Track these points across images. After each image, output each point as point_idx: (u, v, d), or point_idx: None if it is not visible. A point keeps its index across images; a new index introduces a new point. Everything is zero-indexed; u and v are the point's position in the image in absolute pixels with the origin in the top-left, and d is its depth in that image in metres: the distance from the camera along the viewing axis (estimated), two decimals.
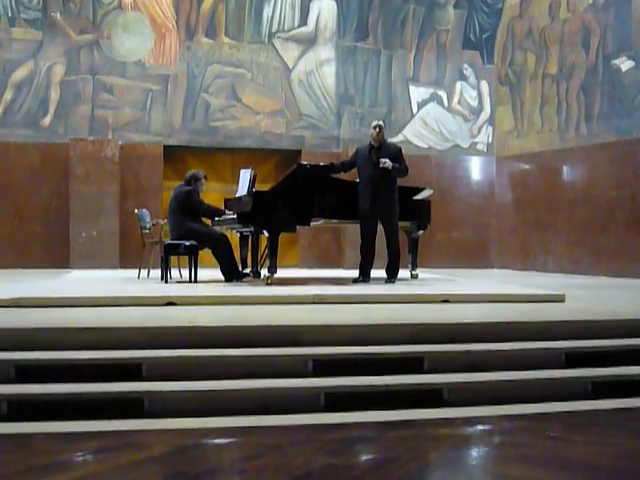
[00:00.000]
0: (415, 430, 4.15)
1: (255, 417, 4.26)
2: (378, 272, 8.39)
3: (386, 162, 7.79)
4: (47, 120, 12.57)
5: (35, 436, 3.91)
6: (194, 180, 8.51)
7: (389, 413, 4.40)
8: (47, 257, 12.33)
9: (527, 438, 4.06)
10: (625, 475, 3.49)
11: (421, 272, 9.38)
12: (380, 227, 8.13)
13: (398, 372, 4.83)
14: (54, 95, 12.58)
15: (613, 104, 11.71)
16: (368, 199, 7.94)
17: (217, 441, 4.00)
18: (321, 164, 8.27)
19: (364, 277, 8.13)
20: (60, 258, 12.24)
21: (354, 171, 8.42)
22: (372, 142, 8.07)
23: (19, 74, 12.46)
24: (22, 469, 3.43)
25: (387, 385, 4.67)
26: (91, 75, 12.72)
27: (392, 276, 8.18)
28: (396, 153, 8.04)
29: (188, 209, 8.31)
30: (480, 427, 4.33)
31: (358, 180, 8.14)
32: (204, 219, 8.65)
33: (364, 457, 3.90)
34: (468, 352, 5.03)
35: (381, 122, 8.16)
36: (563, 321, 5.64)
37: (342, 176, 8.51)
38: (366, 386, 4.65)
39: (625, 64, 11.48)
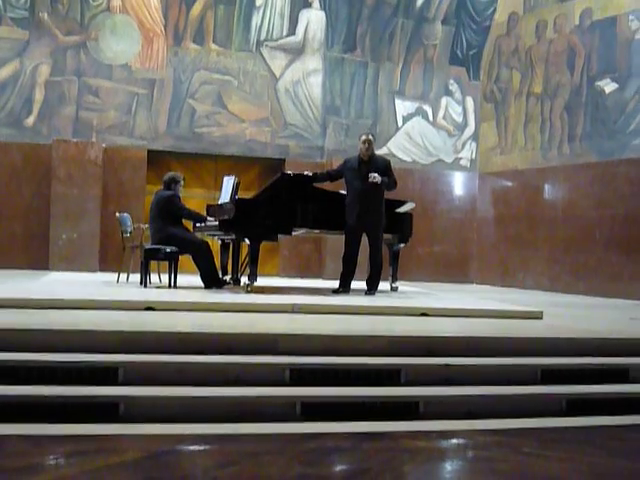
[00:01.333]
0: (390, 442, 4.15)
1: (230, 425, 4.24)
2: (358, 284, 8.40)
3: (376, 177, 7.79)
4: (31, 120, 12.50)
5: (7, 438, 3.87)
6: (174, 183, 8.50)
7: (365, 424, 4.40)
8: (26, 258, 12.23)
9: (501, 453, 4.08)
10: None
11: (401, 285, 9.40)
12: (364, 239, 8.14)
13: (375, 384, 4.84)
14: (39, 95, 12.51)
15: (596, 125, 11.83)
16: (355, 211, 7.95)
17: (191, 448, 3.98)
18: (305, 173, 8.24)
19: (344, 288, 8.13)
20: (39, 260, 12.14)
21: (338, 182, 8.45)
22: (361, 156, 8.08)
23: (4, 73, 12.38)
24: None
25: (364, 396, 4.68)
26: (77, 76, 12.66)
27: (372, 288, 8.19)
28: (385, 167, 8.06)
29: (169, 214, 8.29)
30: (455, 441, 4.35)
31: (346, 192, 8.15)
32: (185, 223, 8.63)
33: (338, 467, 3.89)
34: (446, 365, 5.05)
35: (370, 136, 8.13)
36: (540, 338, 5.68)
37: (325, 186, 8.53)
38: (343, 397, 4.65)
39: (609, 86, 11.61)
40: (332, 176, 8.39)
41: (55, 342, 4.75)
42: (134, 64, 12.91)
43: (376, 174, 7.81)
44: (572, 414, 4.88)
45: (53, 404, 4.24)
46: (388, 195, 8.35)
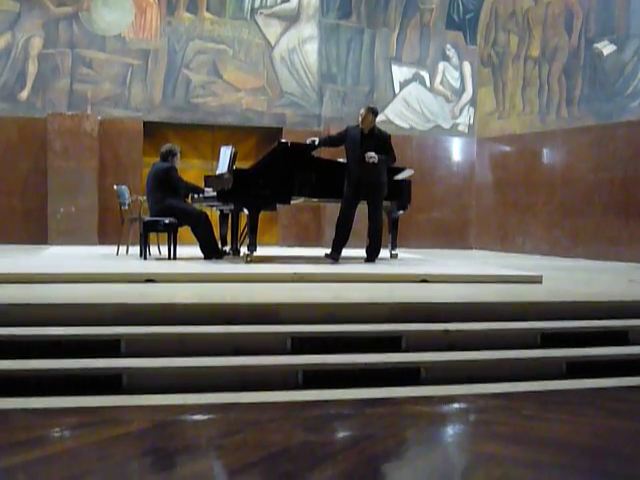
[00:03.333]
0: (392, 408, 4.18)
1: (233, 394, 4.27)
2: (358, 251, 8.41)
3: (372, 158, 7.73)
4: (25, 94, 12.41)
5: (11, 412, 3.90)
6: (171, 155, 8.48)
7: (367, 391, 4.43)
8: (24, 233, 12.22)
9: (502, 416, 4.11)
10: (598, 452, 3.55)
11: (400, 252, 9.41)
12: (363, 209, 8.12)
13: (376, 350, 4.86)
14: (32, 68, 12.41)
15: (594, 88, 11.76)
16: (354, 180, 7.92)
17: (195, 417, 4.01)
18: (309, 141, 8.12)
19: (336, 254, 8.03)
20: (38, 234, 12.14)
21: (335, 150, 8.40)
22: (361, 126, 8.02)
23: None
24: None
25: (365, 363, 4.70)
26: (70, 49, 12.54)
27: (372, 256, 8.18)
28: (385, 142, 8.00)
29: (167, 186, 8.27)
30: (456, 405, 4.38)
31: (346, 159, 8.10)
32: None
33: (342, 434, 3.93)
34: (446, 331, 5.07)
35: (369, 107, 8.07)
36: (540, 302, 5.70)
37: (323, 155, 8.49)
38: (344, 364, 4.68)
39: (607, 48, 11.52)
40: (333, 141, 8.31)
41: (56, 316, 4.76)
42: (127, 35, 12.78)
43: (373, 154, 7.75)
44: (572, 377, 4.92)
45: (56, 377, 4.26)
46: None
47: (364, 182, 7.90)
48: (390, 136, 8.20)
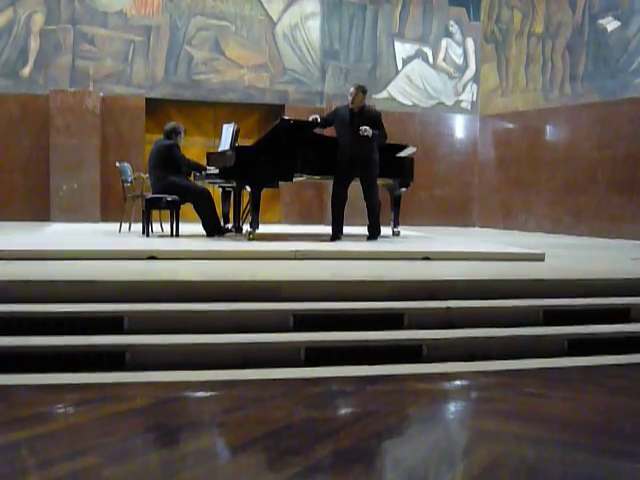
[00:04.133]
0: (394, 385, 4.20)
1: (236, 371, 4.29)
2: (360, 229, 8.40)
3: (366, 130, 7.71)
4: (27, 70, 12.36)
5: (16, 388, 3.92)
6: (175, 133, 8.46)
7: (369, 368, 4.45)
8: (27, 210, 12.23)
9: (504, 394, 4.13)
10: (599, 429, 3.56)
11: (403, 230, 9.41)
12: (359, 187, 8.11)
13: (378, 328, 4.87)
14: (34, 45, 12.35)
15: (598, 64, 11.68)
16: (345, 161, 7.91)
17: (198, 394, 4.03)
18: (311, 118, 8.07)
19: (338, 233, 8.08)
20: (40, 211, 12.15)
21: (331, 129, 8.36)
22: (350, 106, 7.99)
23: None
24: (3, 420, 3.44)
25: (367, 340, 4.72)
26: (72, 25, 12.47)
27: (374, 234, 8.18)
28: (376, 119, 7.96)
29: (169, 163, 8.26)
30: (458, 382, 4.40)
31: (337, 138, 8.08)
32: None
33: (343, 411, 3.95)
34: (448, 309, 5.08)
35: (359, 87, 8.00)
36: (542, 279, 5.71)
37: (326, 132, 8.46)
38: (346, 341, 4.69)
39: (611, 24, 11.43)
40: (323, 123, 8.26)
41: (59, 293, 4.78)
42: (129, 11, 12.69)
43: (367, 127, 7.73)
44: (574, 354, 4.93)
45: (60, 354, 4.28)
46: (389, 139, 8.27)
47: (356, 160, 7.88)
48: (380, 113, 8.17)
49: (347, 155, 7.90)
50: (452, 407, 4.06)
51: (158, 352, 4.42)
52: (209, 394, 4.05)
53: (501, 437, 3.39)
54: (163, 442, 3.35)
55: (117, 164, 9.16)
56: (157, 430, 3.51)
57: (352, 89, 8.00)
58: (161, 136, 8.63)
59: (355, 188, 8.22)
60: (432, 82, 14.15)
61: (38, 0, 12.31)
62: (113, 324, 4.59)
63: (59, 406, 3.70)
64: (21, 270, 5.28)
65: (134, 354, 4.36)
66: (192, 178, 8.76)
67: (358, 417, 3.73)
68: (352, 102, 7.92)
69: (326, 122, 8.24)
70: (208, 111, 13.28)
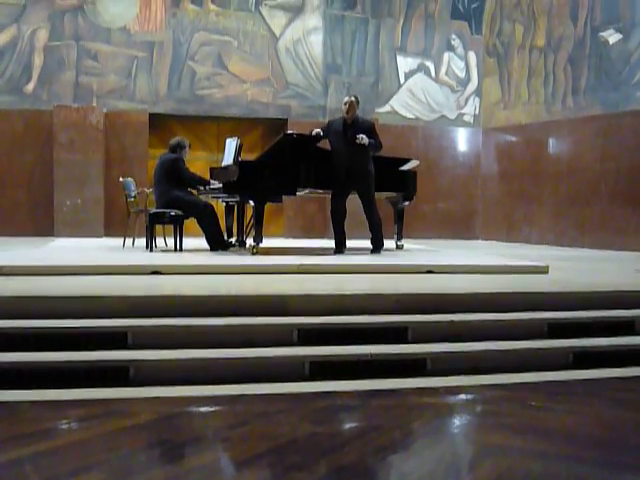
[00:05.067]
0: (399, 399, 4.19)
1: (240, 386, 4.28)
2: (364, 242, 8.40)
3: (363, 139, 7.73)
4: (30, 86, 12.43)
5: (20, 404, 3.92)
6: (179, 148, 8.48)
7: (373, 382, 4.44)
8: (31, 225, 12.27)
9: (508, 407, 4.11)
10: (604, 443, 3.55)
11: (406, 243, 9.41)
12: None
13: (382, 342, 4.86)
14: (38, 61, 12.42)
15: (600, 77, 11.71)
16: (342, 173, 7.91)
17: (202, 409, 4.02)
18: (314, 132, 8.07)
19: (341, 247, 8.10)
20: (44, 226, 12.19)
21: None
22: (345, 116, 8.01)
23: (2, 39, 12.29)
24: (7, 436, 3.44)
25: (371, 354, 4.71)
26: (75, 41, 12.55)
27: (377, 247, 8.19)
28: (369, 129, 7.97)
29: (174, 177, 8.27)
30: (462, 396, 4.38)
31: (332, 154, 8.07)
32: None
33: (348, 425, 3.94)
34: (452, 322, 5.07)
35: (352, 98, 8.03)
36: (546, 292, 5.69)
37: (329, 146, 8.45)
38: (350, 355, 4.68)
39: (612, 37, 11.46)
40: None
41: (63, 308, 4.78)
42: (132, 27, 12.78)
43: (363, 136, 7.75)
44: (579, 367, 4.92)
45: (64, 370, 4.28)
46: (392, 153, 8.31)
47: (352, 171, 7.89)
48: (374, 123, 8.22)
49: (343, 167, 7.91)
50: (457, 421, 4.05)
51: (162, 367, 4.42)
52: (213, 409, 4.05)
53: (506, 451, 3.38)
54: (167, 458, 3.34)
55: (120, 179, 9.18)
56: (161, 446, 3.50)
57: (347, 99, 8.04)
58: (166, 150, 8.66)
59: (356, 201, 8.21)
60: (434, 96, 14.19)
61: (42, 17, 12.40)
62: (117, 339, 4.59)
63: (63, 422, 3.70)
64: (25, 285, 5.28)
65: (138, 369, 4.36)
66: (196, 192, 8.77)
67: (363, 432, 3.72)
68: (347, 112, 7.95)
69: (320, 137, 8.25)
70: (211, 126, 13.33)
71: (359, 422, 3.91)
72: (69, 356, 4.38)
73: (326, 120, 12.98)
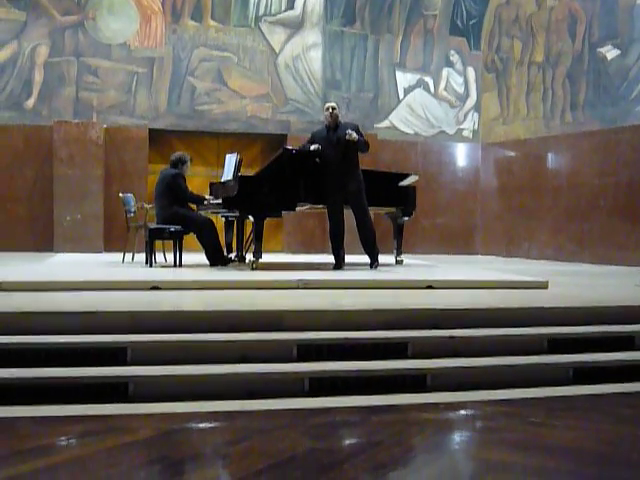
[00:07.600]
0: (399, 415, 4.18)
1: (239, 402, 4.27)
2: (362, 258, 8.40)
3: (353, 133, 7.75)
4: (31, 102, 12.46)
5: (18, 420, 3.90)
6: (181, 163, 8.50)
7: (373, 398, 4.43)
8: (31, 240, 12.26)
9: (509, 423, 4.10)
10: (605, 459, 3.54)
11: (406, 258, 9.41)
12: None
13: (382, 357, 4.86)
14: (38, 77, 12.46)
15: (598, 92, 11.76)
16: (333, 181, 7.90)
17: (201, 425, 4.01)
18: (312, 148, 8.09)
19: (340, 262, 8.09)
20: (44, 241, 12.18)
21: None
22: (327, 124, 8.05)
23: (2, 55, 12.33)
24: (5, 453, 3.42)
25: (371, 370, 4.70)
26: (75, 57, 12.60)
27: (374, 259, 8.11)
28: (355, 128, 8.00)
29: (174, 192, 8.28)
30: (463, 412, 4.37)
31: (321, 164, 8.06)
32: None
33: (348, 441, 3.92)
34: (452, 337, 5.06)
35: (333, 104, 8.12)
36: (546, 307, 5.68)
37: None
38: (350, 371, 4.67)
39: (611, 52, 11.52)
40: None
41: (62, 324, 4.77)
42: (133, 43, 12.83)
43: (352, 131, 7.78)
44: (579, 382, 4.91)
45: (62, 385, 4.27)
46: (391, 168, 8.33)
47: (343, 175, 7.87)
48: (358, 125, 8.27)
49: (334, 175, 7.89)
50: (457, 437, 4.03)
51: (161, 383, 4.41)
52: (213, 425, 4.04)
53: (507, 467, 3.36)
54: (167, 474, 3.33)
55: (120, 195, 9.19)
56: (161, 462, 3.48)
57: (329, 104, 8.10)
58: (167, 165, 8.67)
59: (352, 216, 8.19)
60: (433, 111, 14.23)
61: (42, 33, 12.45)
62: (116, 355, 4.58)
63: (62, 438, 3.68)
64: (24, 301, 5.27)
65: (137, 385, 4.35)
66: (195, 208, 8.78)
67: (363, 448, 3.70)
68: (330, 116, 8.00)
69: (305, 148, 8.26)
70: (211, 141, 13.36)
71: (359, 438, 3.90)
72: (68, 372, 4.37)
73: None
